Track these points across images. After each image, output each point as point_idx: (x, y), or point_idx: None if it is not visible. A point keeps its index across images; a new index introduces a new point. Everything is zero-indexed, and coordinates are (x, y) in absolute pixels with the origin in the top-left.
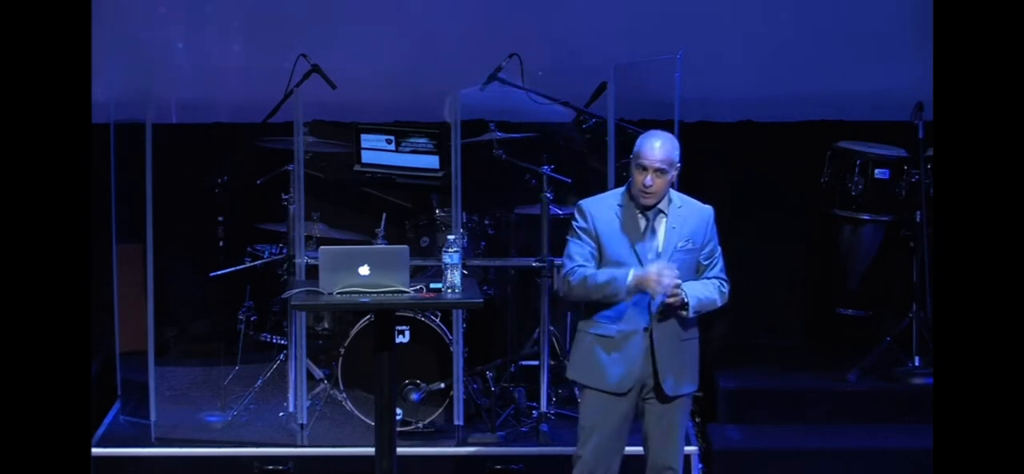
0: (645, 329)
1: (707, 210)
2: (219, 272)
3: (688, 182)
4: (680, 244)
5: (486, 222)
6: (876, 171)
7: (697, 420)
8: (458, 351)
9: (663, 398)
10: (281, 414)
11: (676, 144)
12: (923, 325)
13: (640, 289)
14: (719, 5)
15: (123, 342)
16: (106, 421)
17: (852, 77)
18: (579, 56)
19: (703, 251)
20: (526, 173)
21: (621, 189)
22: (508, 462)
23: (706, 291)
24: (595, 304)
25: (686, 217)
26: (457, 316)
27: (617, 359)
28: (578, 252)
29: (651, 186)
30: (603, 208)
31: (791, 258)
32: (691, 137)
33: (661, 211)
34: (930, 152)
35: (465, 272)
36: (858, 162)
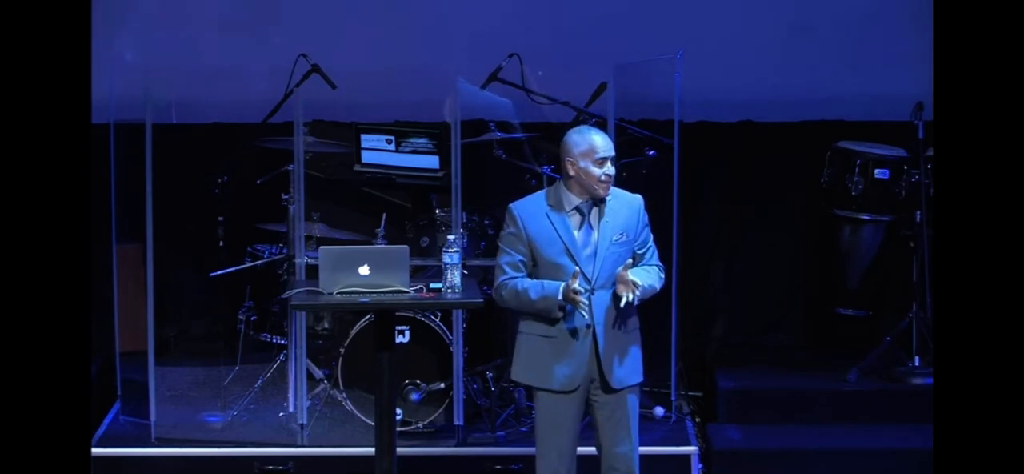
0: (588, 326)
1: (637, 199)
2: (219, 272)
3: (688, 182)
4: (615, 237)
5: (486, 222)
6: (876, 171)
7: (697, 420)
8: (458, 351)
9: (609, 391)
10: (281, 414)
11: None
12: (923, 325)
13: (571, 302)
14: (719, 5)
15: (123, 342)
16: (106, 421)
17: (852, 77)
18: (579, 56)
19: (637, 241)
20: (526, 173)
21: (546, 190)
22: (508, 462)
23: (648, 278)
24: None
25: (618, 209)
26: (457, 316)
27: (564, 358)
28: (509, 263)
29: (611, 176)
30: (534, 210)
31: (791, 258)
32: (691, 137)
33: (595, 204)
34: (930, 152)
35: (465, 272)
36: (858, 162)
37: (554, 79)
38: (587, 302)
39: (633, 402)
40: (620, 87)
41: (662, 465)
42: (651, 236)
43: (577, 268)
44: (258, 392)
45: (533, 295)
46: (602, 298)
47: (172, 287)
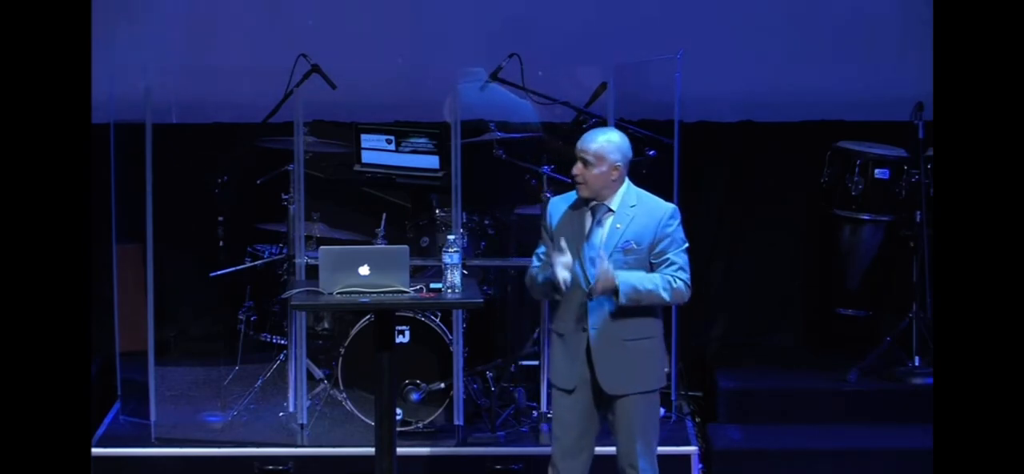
0: (584, 329)
1: (663, 209)
2: (219, 272)
3: (688, 182)
4: (621, 245)
5: (486, 222)
6: (876, 171)
7: (697, 420)
8: (458, 351)
9: (606, 395)
10: (281, 414)
11: (618, 142)
12: (923, 325)
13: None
14: (719, 5)
15: (123, 342)
16: (106, 421)
17: (852, 77)
18: (579, 56)
19: (654, 250)
20: (526, 173)
21: None
22: (508, 462)
23: (646, 280)
24: (554, 302)
25: (635, 216)
26: (457, 316)
27: (565, 356)
28: (538, 252)
29: (577, 175)
30: (563, 205)
31: (791, 258)
32: (691, 137)
33: (610, 209)
34: (930, 152)
35: (465, 272)
36: (858, 162)
37: (554, 79)
38: (561, 259)
39: (637, 408)
40: (620, 87)
41: (662, 465)
42: (674, 248)
43: (563, 246)
44: (258, 392)
45: (540, 278)
46: (600, 302)
47: (172, 287)
